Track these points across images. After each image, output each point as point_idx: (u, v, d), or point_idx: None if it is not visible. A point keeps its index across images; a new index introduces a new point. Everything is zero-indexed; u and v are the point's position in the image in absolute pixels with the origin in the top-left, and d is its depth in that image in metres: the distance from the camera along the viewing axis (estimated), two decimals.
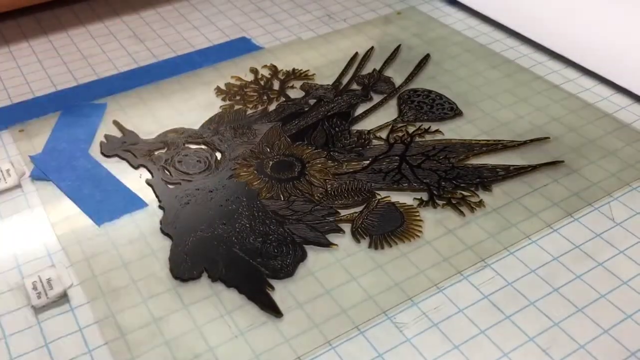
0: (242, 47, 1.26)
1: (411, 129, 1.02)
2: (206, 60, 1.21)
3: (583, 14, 1.11)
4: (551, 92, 1.11)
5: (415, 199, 0.90)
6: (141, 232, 0.85)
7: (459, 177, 0.93)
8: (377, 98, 1.11)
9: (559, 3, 1.15)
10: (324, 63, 1.20)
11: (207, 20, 1.35)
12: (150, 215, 0.87)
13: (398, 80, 1.15)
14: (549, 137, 1.01)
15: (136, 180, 0.94)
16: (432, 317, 0.74)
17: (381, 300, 0.76)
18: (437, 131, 1.02)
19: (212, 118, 1.05)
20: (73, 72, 1.19)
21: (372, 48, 1.24)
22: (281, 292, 0.77)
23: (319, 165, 0.95)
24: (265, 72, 1.17)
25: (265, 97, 1.11)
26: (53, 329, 0.73)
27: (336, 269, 0.80)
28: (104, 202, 0.90)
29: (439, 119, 1.05)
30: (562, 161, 0.96)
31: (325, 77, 1.16)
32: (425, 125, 1.03)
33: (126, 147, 0.99)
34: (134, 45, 1.27)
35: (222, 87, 1.13)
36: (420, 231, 0.85)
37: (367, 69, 1.18)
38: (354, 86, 1.14)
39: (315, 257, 0.81)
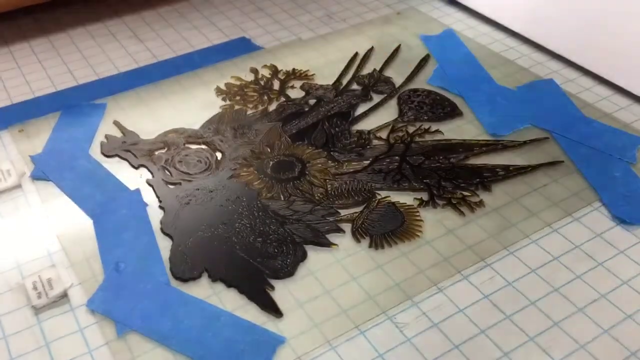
0: (242, 47, 1.26)
1: (411, 129, 1.02)
2: (206, 60, 1.21)
3: (583, 14, 1.11)
4: None
5: (415, 199, 0.90)
6: None
7: (459, 177, 0.93)
8: (377, 98, 1.11)
9: (559, 3, 1.15)
10: (324, 63, 1.20)
11: (207, 20, 1.35)
12: (150, 216, 0.87)
13: (398, 80, 1.15)
14: (548, 137, 1.01)
15: (136, 180, 0.94)
16: (432, 317, 0.74)
17: (381, 300, 0.76)
18: (437, 131, 1.02)
19: (212, 118, 1.05)
20: (73, 72, 1.19)
21: (372, 48, 1.24)
22: (281, 292, 0.77)
23: (319, 165, 0.95)
24: (265, 72, 1.17)
25: (265, 97, 1.11)
26: (53, 329, 0.73)
27: (336, 269, 0.80)
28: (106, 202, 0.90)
29: (439, 119, 1.05)
30: (562, 161, 0.96)
31: (325, 77, 1.16)
32: (425, 125, 1.03)
33: (126, 147, 0.99)
34: (134, 45, 1.27)
35: (222, 87, 1.13)
36: (420, 231, 0.85)
37: (367, 69, 1.18)
38: (354, 86, 1.14)
39: (315, 257, 0.81)
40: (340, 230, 0.85)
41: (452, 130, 1.03)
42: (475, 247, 0.83)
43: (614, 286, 0.78)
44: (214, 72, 1.18)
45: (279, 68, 1.18)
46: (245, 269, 0.80)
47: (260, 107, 1.08)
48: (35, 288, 0.77)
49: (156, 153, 0.98)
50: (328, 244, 0.83)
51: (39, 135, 1.02)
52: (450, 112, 1.07)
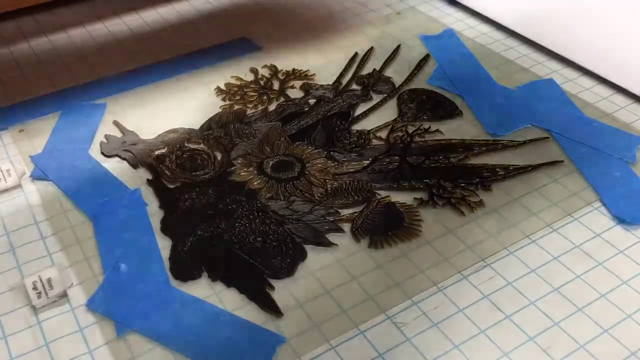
0: (242, 47, 1.26)
1: (411, 129, 1.02)
2: (206, 60, 1.21)
3: (583, 14, 1.11)
4: None
5: (415, 198, 0.90)
6: None
7: (459, 177, 0.93)
8: (377, 98, 1.11)
9: (559, 3, 1.15)
10: (324, 63, 1.20)
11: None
12: (150, 215, 0.87)
13: (398, 80, 1.15)
14: (548, 137, 1.01)
15: (136, 180, 0.94)
16: (432, 317, 0.74)
17: (381, 300, 0.76)
18: (437, 131, 1.02)
19: (212, 118, 1.05)
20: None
21: (372, 48, 1.24)
22: (281, 292, 0.77)
23: (319, 165, 0.95)
24: (265, 72, 1.17)
25: (265, 97, 1.11)
26: (53, 329, 0.73)
27: (336, 269, 0.80)
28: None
29: (439, 119, 1.05)
30: (562, 161, 0.96)
31: (325, 77, 1.16)
32: (425, 125, 1.03)
33: (126, 147, 0.99)
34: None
35: (222, 87, 1.13)
36: (420, 231, 0.85)
37: (367, 69, 1.18)
38: (354, 86, 1.14)
39: (315, 257, 0.81)
40: (340, 230, 0.85)
41: (452, 130, 1.03)
42: (475, 247, 0.83)
43: (614, 286, 0.78)
44: (214, 72, 1.18)
45: (279, 68, 1.18)
46: (245, 268, 0.80)
47: (260, 107, 1.08)
48: (35, 288, 0.77)
49: (156, 153, 0.98)
50: (328, 244, 0.83)
51: (39, 135, 1.02)
52: (450, 112, 1.07)
